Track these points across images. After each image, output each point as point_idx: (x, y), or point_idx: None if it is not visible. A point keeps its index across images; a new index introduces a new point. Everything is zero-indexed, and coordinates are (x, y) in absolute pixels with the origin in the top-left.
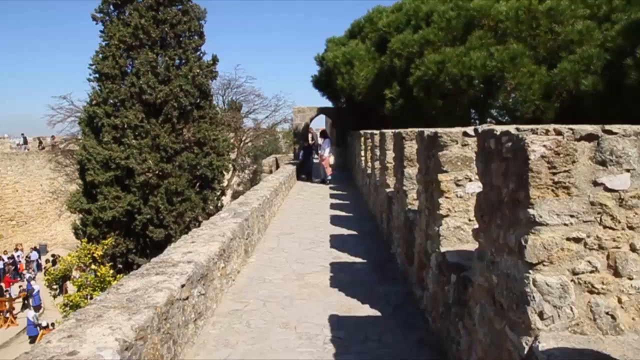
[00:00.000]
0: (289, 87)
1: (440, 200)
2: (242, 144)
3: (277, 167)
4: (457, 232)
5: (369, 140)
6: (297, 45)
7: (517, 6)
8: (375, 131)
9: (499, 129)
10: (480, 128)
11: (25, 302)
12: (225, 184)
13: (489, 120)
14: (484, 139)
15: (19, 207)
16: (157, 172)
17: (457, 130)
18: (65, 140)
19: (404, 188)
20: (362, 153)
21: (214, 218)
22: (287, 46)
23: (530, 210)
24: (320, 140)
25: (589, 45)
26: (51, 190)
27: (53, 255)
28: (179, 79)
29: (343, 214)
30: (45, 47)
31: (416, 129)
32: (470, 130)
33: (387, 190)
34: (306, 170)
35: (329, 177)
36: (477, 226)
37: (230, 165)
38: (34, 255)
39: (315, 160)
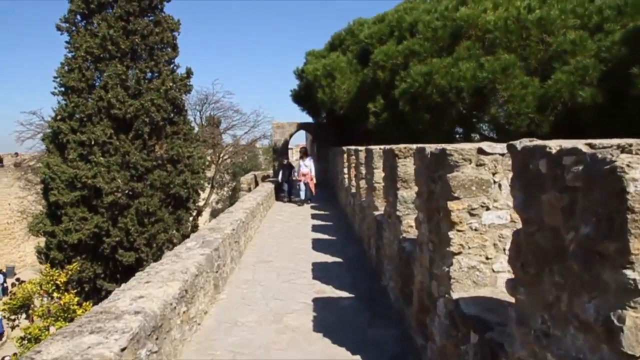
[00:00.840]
0: (269, 103)
1: (451, 234)
2: (220, 161)
3: (257, 184)
4: (472, 273)
5: (353, 157)
6: (276, 60)
7: (505, 16)
8: (360, 147)
9: (553, 145)
10: (519, 143)
11: None
12: (201, 203)
13: (474, 136)
14: (526, 158)
15: None
16: (126, 191)
17: (470, 146)
18: (34, 158)
19: (398, 213)
20: (345, 170)
21: (178, 248)
22: (267, 61)
23: (629, 272)
24: (297, 156)
25: (582, 55)
26: (20, 210)
27: (17, 280)
28: (151, 92)
29: (326, 237)
30: (15, 59)
31: (413, 145)
32: (486, 146)
33: (376, 213)
34: (286, 190)
35: (311, 197)
36: (511, 275)
37: (205, 184)
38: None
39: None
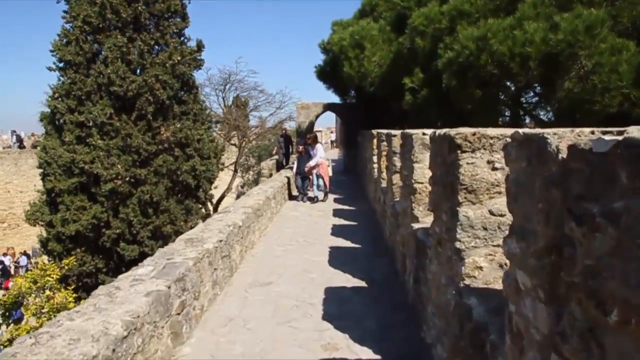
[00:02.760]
0: (295, 83)
1: None
2: (245, 144)
3: (279, 169)
4: None
5: (384, 143)
6: (303, 36)
7: None
8: (393, 131)
9: None
10: None
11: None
12: (213, 191)
13: (527, 120)
14: None
15: (11, 208)
16: (127, 178)
17: None
18: None
19: (457, 245)
20: (375, 159)
21: (122, 280)
22: (292, 37)
23: None
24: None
25: None
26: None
27: (36, 263)
28: (156, 67)
29: (348, 244)
30: (37, 39)
31: (488, 130)
32: None
33: (415, 226)
34: (300, 185)
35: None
36: None
37: (215, 172)
38: (23, 261)
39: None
